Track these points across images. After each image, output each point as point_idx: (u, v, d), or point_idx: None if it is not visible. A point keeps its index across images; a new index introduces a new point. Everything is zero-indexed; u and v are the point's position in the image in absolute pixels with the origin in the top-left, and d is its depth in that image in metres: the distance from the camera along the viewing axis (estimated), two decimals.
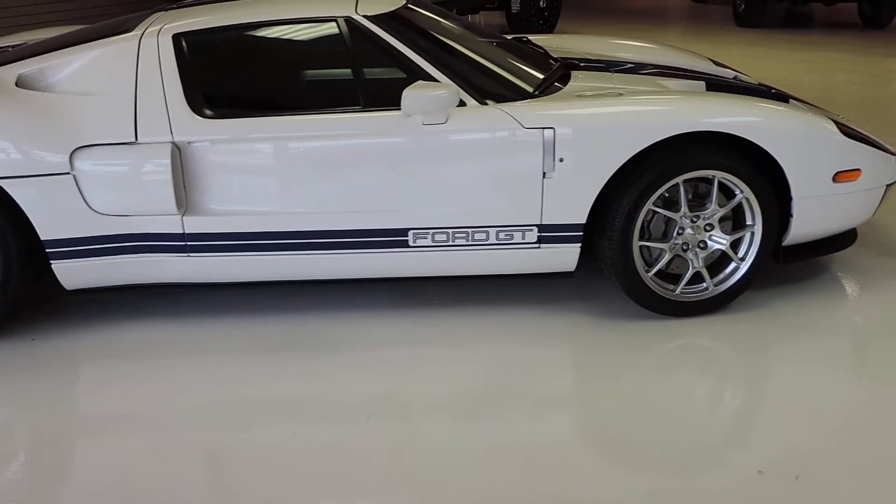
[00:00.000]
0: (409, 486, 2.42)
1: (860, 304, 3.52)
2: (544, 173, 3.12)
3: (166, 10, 3.58)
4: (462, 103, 3.12)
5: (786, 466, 2.46)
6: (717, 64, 4.46)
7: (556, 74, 3.57)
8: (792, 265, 3.69)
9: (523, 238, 3.22)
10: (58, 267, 3.17)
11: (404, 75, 3.17)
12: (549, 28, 9.86)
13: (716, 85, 3.76)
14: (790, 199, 3.25)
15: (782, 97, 3.76)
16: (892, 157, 3.46)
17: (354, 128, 3.14)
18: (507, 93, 3.25)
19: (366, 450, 2.59)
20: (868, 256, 3.89)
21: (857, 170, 3.30)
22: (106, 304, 3.52)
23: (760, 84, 4.09)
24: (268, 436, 2.67)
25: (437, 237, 3.21)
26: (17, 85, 3.20)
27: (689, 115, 3.12)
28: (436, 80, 3.12)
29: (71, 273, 3.20)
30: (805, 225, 3.32)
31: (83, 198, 3.09)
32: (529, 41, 4.24)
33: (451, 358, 3.14)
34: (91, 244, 3.16)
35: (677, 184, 3.16)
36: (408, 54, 3.18)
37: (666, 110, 3.14)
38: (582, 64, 3.89)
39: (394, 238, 3.21)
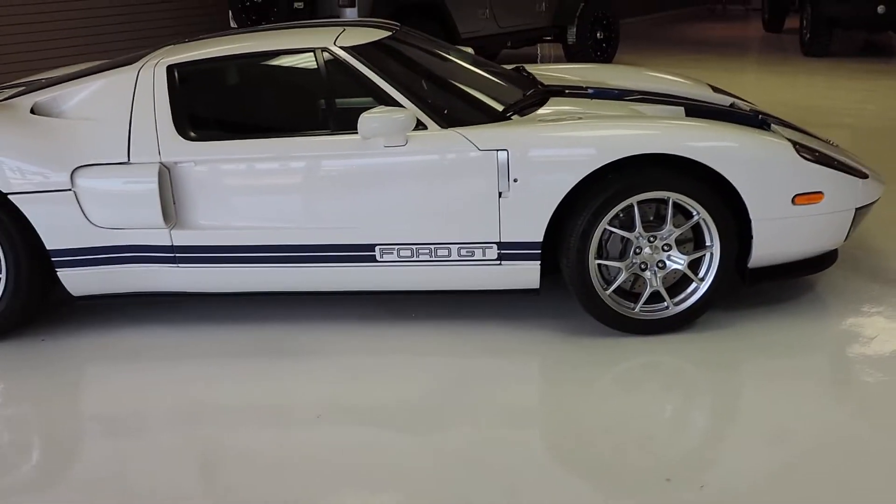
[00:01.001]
0: (361, 486, 2.59)
1: (831, 327, 3.51)
2: (500, 193, 3.28)
3: (175, 44, 3.91)
4: (423, 126, 3.32)
5: (735, 484, 2.52)
6: (716, 90, 4.52)
7: (528, 101, 3.73)
8: (779, 286, 3.73)
9: (484, 255, 3.37)
10: (62, 274, 3.51)
11: (373, 101, 3.39)
12: (606, 59, 9.94)
13: (695, 110, 3.83)
14: (749, 220, 3.30)
15: (765, 123, 3.80)
16: (860, 180, 3.46)
17: (324, 149, 3.38)
18: (468, 117, 3.43)
19: (325, 453, 2.77)
20: (854, 280, 3.88)
21: (819, 192, 3.33)
22: (109, 311, 3.84)
23: (753, 111, 4.14)
24: (250, 437, 2.88)
25: (402, 252, 3.40)
26: (32, 111, 3.57)
27: (638, 138, 3.23)
28: (400, 105, 3.33)
29: (75, 280, 3.53)
30: (768, 247, 3.36)
31: (83, 212, 3.43)
32: (524, 69, 4.40)
33: (418, 367, 3.32)
34: (90, 254, 3.48)
35: (633, 204, 3.26)
36: (376, 81, 3.40)
37: (616, 134, 3.26)
38: (567, 91, 4.02)
39: (362, 253, 3.42)
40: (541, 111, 3.65)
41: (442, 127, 3.34)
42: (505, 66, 4.46)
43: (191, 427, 2.99)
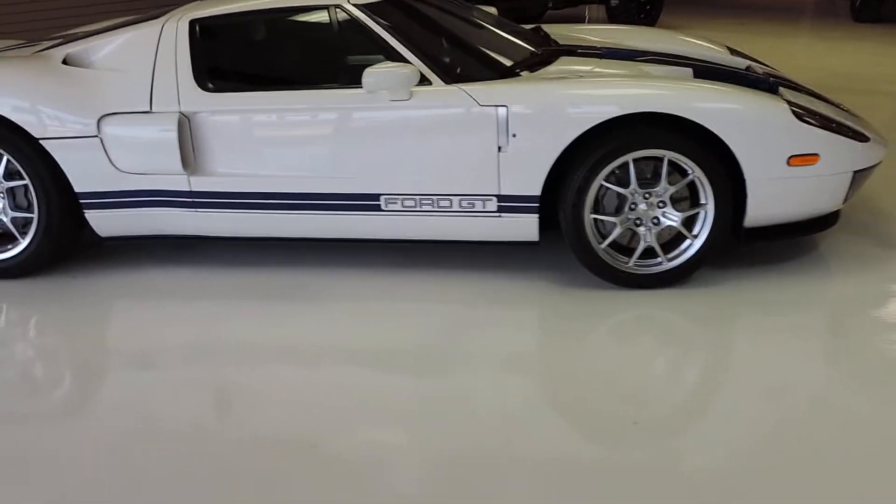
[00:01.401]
0: (359, 425, 2.76)
1: (831, 288, 3.57)
2: (499, 147, 3.40)
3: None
4: (428, 82, 3.45)
5: (713, 436, 2.62)
6: (733, 52, 4.54)
7: (537, 59, 3.82)
8: (780, 246, 3.82)
9: (484, 207, 3.50)
10: (90, 216, 3.74)
11: (383, 57, 3.53)
12: (650, 21, 9.86)
13: (704, 72, 3.87)
14: (744, 180, 3.37)
15: (774, 86, 3.82)
16: (859, 143, 3.49)
17: (332, 102, 3.53)
18: (473, 74, 3.54)
19: (327, 392, 2.94)
20: (858, 243, 3.93)
21: (814, 154, 3.37)
22: (135, 252, 4.08)
23: (765, 73, 4.16)
24: (259, 375, 3.08)
25: (406, 203, 3.55)
26: (65, 62, 3.78)
27: (635, 97, 3.31)
28: (406, 61, 3.45)
29: (101, 222, 3.77)
30: (763, 206, 3.42)
31: (108, 157, 3.64)
32: (541, 29, 4.48)
33: (419, 313, 3.48)
34: (115, 197, 3.71)
35: (628, 161, 3.35)
36: (384, 37, 3.53)
37: (612, 93, 3.35)
38: (579, 50, 4.10)
39: (368, 202, 3.58)
40: (549, 69, 3.74)
41: (446, 83, 3.46)
42: (523, 26, 4.53)
43: (205, 362, 3.18)
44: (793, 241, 3.90)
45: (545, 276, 3.71)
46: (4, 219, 3.79)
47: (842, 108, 3.96)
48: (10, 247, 3.82)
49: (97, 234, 3.84)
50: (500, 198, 3.48)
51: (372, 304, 3.56)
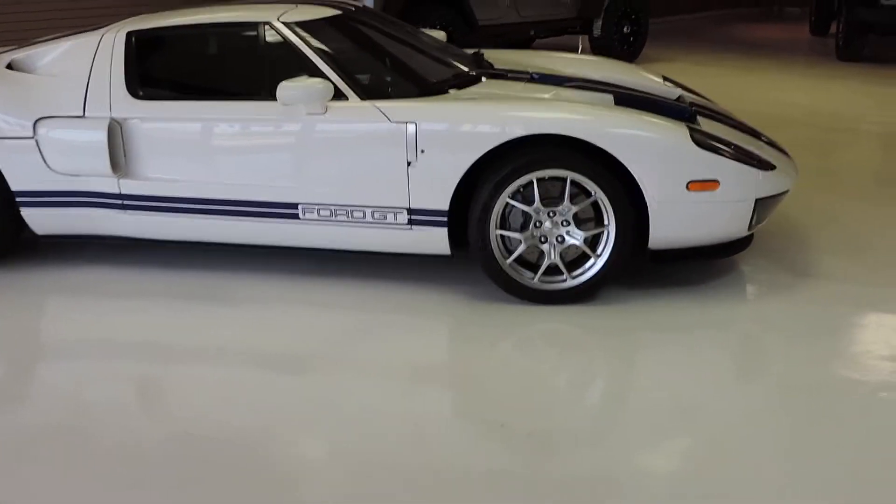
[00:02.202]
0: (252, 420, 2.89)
1: (732, 312, 3.65)
2: (409, 162, 3.53)
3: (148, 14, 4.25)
4: (344, 97, 3.59)
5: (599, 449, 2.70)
6: (668, 81, 4.67)
7: (460, 80, 3.96)
8: (695, 269, 3.92)
9: (395, 219, 3.63)
10: (25, 213, 3.91)
11: (306, 72, 3.68)
12: (633, 53, 9.99)
13: (625, 98, 3.99)
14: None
15: (692, 115, 3.94)
16: (762, 171, 3.58)
17: (253, 113, 3.70)
18: (390, 91, 3.69)
19: (226, 388, 3.08)
20: (769, 269, 4.02)
21: (714, 181, 3.47)
22: (75, 250, 4.24)
23: (688, 103, 4.26)
24: (177, 371, 3.23)
25: (322, 212, 3.69)
26: (10, 67, 3.96)
27: (537, 119, 3.44)
28: (324, 77, 3.60)
29: (36, 220, 3.93)
30: (664, 229, 3.52)
31: (43, 158, 3.80)
32: (481, 53, 4.61)
33: (326, 318, 3.61)
34: (49, 197, 3.88)
35: (532, 180, 3.47)
36: (307, 54, 3.69)
37: (516, 115, 3.48)
38: (508, 74, 4.23)
39: (287, 210, 3.72)
40: (471, 89, 3.88)
41: (361, 99, 3.60)
42: (464, 50, 4.67)
43: (125, 358, 3.32)
44: (705, 265, 4.00)
45: (458, 289, 3.82)
46: None
47: (762, 139, 4.08)
48: None
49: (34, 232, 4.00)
50: (411, 211, 3.61)
51: (285, 308, 3.69)
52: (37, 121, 3.78)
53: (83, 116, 3.78)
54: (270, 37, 3.79)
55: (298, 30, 3.77)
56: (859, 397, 2.95)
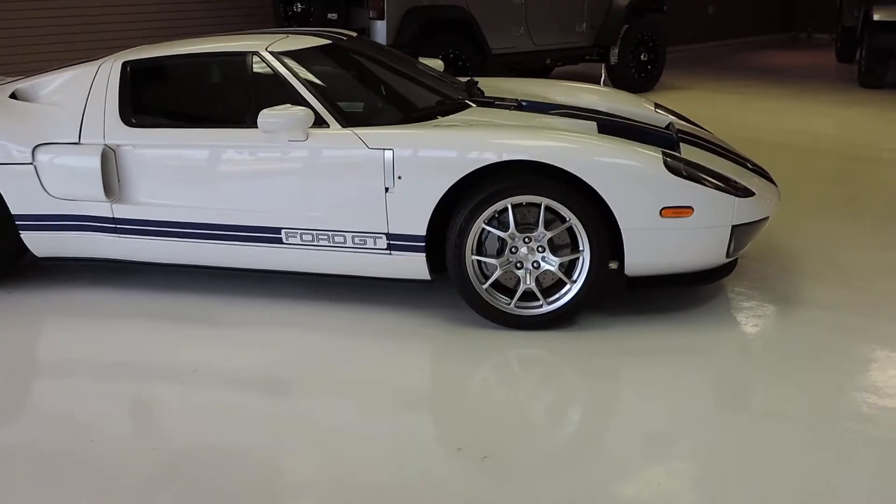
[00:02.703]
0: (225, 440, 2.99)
1: (713, 339, 3.64)
2: (387, 188, 3.61)
3: (147, 45, 4.40)
4: (326, 124, 3.69)
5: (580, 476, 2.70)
6: (659, 109, 4.71)
7: (444, 108, 4.04)
8: (678, 295, 3.95)
9: (375, 244, 3.71)
10: (25, 236, 4.06)
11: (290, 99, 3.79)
12: (649, 82, 10.02)
13: (607, 126, 4.04)
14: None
15: (674, 142, 3.98)
16: (738, 198, 3.60)
17: (237, 140, 3.82)
18: (371, 119, 3.79)
19: (200, 409, 3.20)
20: (753, 297, 4.01)
21: (688, 207, 3.50)
22: (73, 272, 4.38)
23: (678, 130, 4.30)
24: (156, 388, 3.33)
25: (305, 237, 3.78)
26: (14, 96, 4.13)
27: (510, 146, 3.50)
28: (307, 105, 3.70)
29: (35, 242, 4.08)
30: (639, 255, 3.55)
31: (41, 183, 3.95)
32: (474, 81, 4.70)
33: (307, 340, 3.68)
34: (47, 220, 4.03)
35: (507, 206, 3.53)
36: (291, 81, 3.80)
37: (492, 141, 3.54)
38: (497, 102, 4.30)
39: (270, 234, 3.82)
40: (453, 117, 3.95)
41: (342, 126, 3.70)
42: (457, 78, 4.76)
43: (114, 378, 3.42)
44: (690, 290, 4.02)
45: (438, 314, 3.89)
46: None
47: (748, 166, 4.09)
48: None
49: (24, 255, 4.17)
50: (389, 236, 3.68)
51: (267, 331, 3.78)
52: (35, 147, 3.94)
53: (79, 143, 3.92)
54: (258, 66, 3.91)
55: (284, 59, 3.89)
56: (837, 428, 2.93)
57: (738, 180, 3.75)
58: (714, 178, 3.62)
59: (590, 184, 3.45)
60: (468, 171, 3.51)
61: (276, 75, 3.85)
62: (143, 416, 3.13)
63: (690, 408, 3.09)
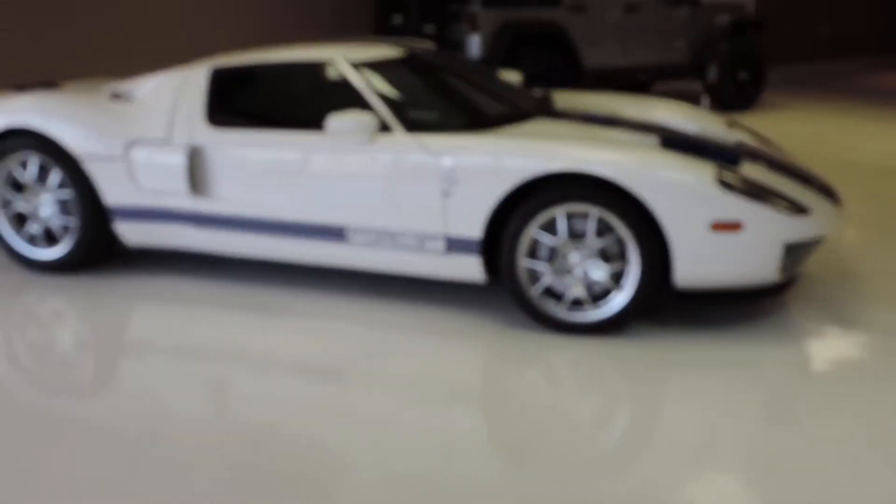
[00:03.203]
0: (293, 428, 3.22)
1: (766, 356, 3.63)
2: (445, 192, 3.78)
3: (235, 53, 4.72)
4: (390, 129, 3.90)
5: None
6: (734, 126, 4.72)
7: (510, 117, 4.19)
8: (732, 311, 3.98)
9: (433, 246, 3.88)
10: (116, 227, 4.40)
11: (359, 105, 4.02)
12: (748, 100, 9.87)
13: (670, 141, 4.10)
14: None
15: (735, 158, 4.02)
16: (792, 216, 3.60)
17: (308, 142, 4.05)
18: (435, 126, 3.96)
19: (277, 394, 3.43)
20: (813, 318, 3.98)
21: (737, 223, 3.53)
22: (156, 261, 4.73)
23: (737, 145, 4.32)
24: (228, 370, 3.57)
25: (367, 236, 3.98)
26: (115, 96, 4.50)
27: (564, 156, 3.60)
28: (373, 110, 3.92)
29: (126, 232, 4.42)
30: (689, 268, 3.58)
31: (133, 177, 4.29)
32: (545, 92, 4.83)
33: (360, 334, 3.87)
34: (137, 212, 4.36)
35: (572, 214, 3.64)
36: (361, 89, 4.03)
37: (547, 151, 3.64)
38: (564, 114, 4.43)
39: (336, 233, 4.04)
40: (517, 126, 4.08)
41: (406, 132, 3.89)
42: (531, 90, 4.90)
43: (194, 359, 3.65)
44: (746, 306, 4.04)
45: (492, 315, 4.03)
46: (56, 222, 4.51)
47: (813, 185, 4.07)
48: (57, 247, 4.53)
49: (117, 244, 4.52)
50: (447, 238, 3.85)
51: (330, 322, 3.98)
52: (129, 143, 4.29)
53: (168, 141, 4.25)
54: (332, 73, 4.16)
55: (357, 68, 4.12)
56: (884, 450, 2.91)
57: (794, 198, 3.76)
58: (768, 195, 3.64)
59: (638, 196, 3.53)
60: (522, 180, 3.64)
61: (347, 82, 4.08)
62: (211, 396, 3.35)
63: (736, 421, 3.09)
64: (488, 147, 3.74)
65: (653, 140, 4.10)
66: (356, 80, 4.06)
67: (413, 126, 3.94)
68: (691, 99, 10.72)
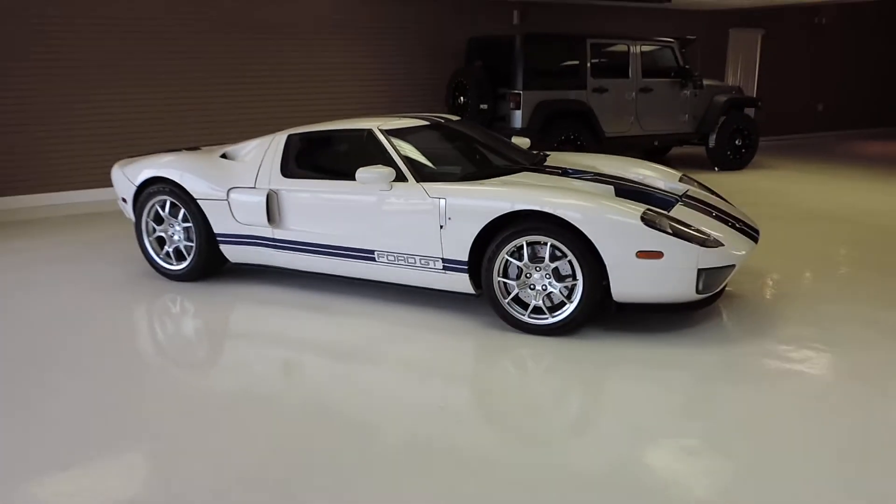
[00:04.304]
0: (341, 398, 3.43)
1: (698, 356, 3.59)
2: (441, 226, 3.92)
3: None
4: (405, 179, 4.07)
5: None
6: (683, 179, 4.68)
7: (502, 171, 4.28)
8: (675, 320, 3.93)
9: (435, 265, 4.02)
10: (222, 248, 4.73)
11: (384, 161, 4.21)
12: (742, 163, 9.54)
13: (623, 190, 4.12)
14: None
15: (671, 204, 4.01)
16: (706, 248, 3.57)
17: (346, 189, 4.26)
18: (439, 176, 4.11)
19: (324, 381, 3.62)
20: (732, 330, 3.91)
21: (658, 252, 3.53)
22: (248, 274, 5.01)
23: (688, 197, 4.29)
24: (297, 353, 3.81)
25: (389, 258, 4.16)
26: (224, 156, 4.86)
27: (525, 199, 3.69)
28: (394, 166, 4.11)
29: (229, 252, 4.75)
30: (622, 286, 3.61)
31: (231, 213, 4.62)
32: (543, 154, 4.90)
33: (375, 328, 4.01)
34: (235, 238, 4.67)
35: (523, 243, 3.72)
36: (388, 149, 4.22)
37: (511, 195, 3.73)
38: (547, 168, 4.48)
39: (366, 255, 4.24)
40: (503, 178, 4.16)
41: (416, 181, 4.07)
42: (529, 151, 4.96)
43: (275, 346, 3.79)
44: (689, 317, 4.00)
45: (479, 318, 4.12)
46: (183, 244, 4.88)
47: (734, 226, 4.01)
48: (184, 262, 4.90)
49: (224, 261, 4.84)
50: (444, 260, 3.98)
51: (356, 320, 4.15)
52: (229, 189, 4.63)
53: (254, 188, 4.57)
54: (368, 137, 4.37)
55: (386, 134, 4.33)
56: (795, 434, 2.84)
57: (711, 234, 3.72)
58: (686, 232, 3.62)
59: (581, 229, 3.58)
60: (494, 216, 3.75)
61: (379, 145, 4.30)
62: (279, 369, 3.51)
63: (661, 409, 3.03)
64: (471, 192, 3.87)
65: (609, 189, 4.12)
66: (384, 142, 4.27)
67: (422, 177, 4.10)
68: (698, 160, 10.46)
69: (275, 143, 4.64)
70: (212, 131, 8.58)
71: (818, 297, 4.40)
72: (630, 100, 8.79)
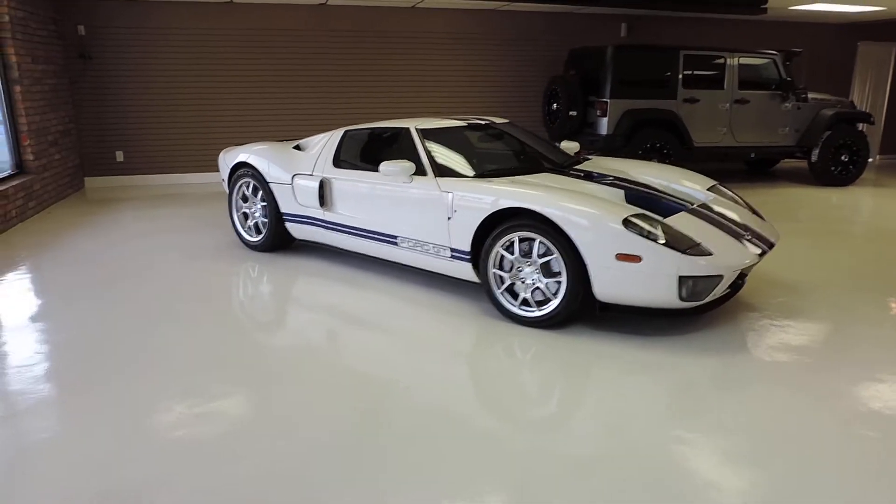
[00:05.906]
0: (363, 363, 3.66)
1: (686, 360, 3.38)
2: (449, 217, 3.95)
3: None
4: (425, 173, 4.13)
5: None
6: (713, 189, 4.34)
7: (521, 171, 4.20)
8: (652, 326, 3.72)
9: (444, 253, 4.06)
10: (287, 226, 5.07)
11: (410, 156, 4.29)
12: (848, 179, 8.48)
13: (634, 195, 3.90)
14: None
15: (675, 211, 3.75)
16: (689, 256, 3.32)
17: (376, 179, 4.39)
18: (455, 173, 4.12)
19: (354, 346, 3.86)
20: (731, 339, 3.60)
21: (637, 255, 3.33)
22: (305, 249, 5.29)
23: (702, 205, 3.98)
24: (332, 318, 4.09)
25: (409, 243, 4.25)
26: (297, 148, 5.17)
27: (511, 196, 3.63)
28: (418, 160, 4.18)
29: (292, 229, 5.07)
30: (602, 286, 3.45)
31: (294, 196, 4.93)
32: (582, 154, 4.74)
33: (395, 308, 4.12)
34: (298, 217, 4.98)
35: (524, 237, 3.65)
36: (416, 146, 4.29)
37: (508, 193, 3.67)
38: (571, 171, 4.34)
39: (391, 239, 4.35)
40: (520, 177, 4.08)
41: (434, 176, 4.11)
42: (567, 154, 4.81)
43: (321, 313, 4.00)
44: (671, 323, 3.74)
45: (479, 304, 4.10)
46: (260, 220, 5.26)
47: (741, 238, 3.68)
48: (259, 235, 5.28)
49: (292, 237, 5.17)
50: (451, 249, 4.00)
51: (380, 296, 4.27)
52: (294, 175, 4.94)
53: (311, 174, 4.83)
54: (405, 135, 4.47)
55: (421, 133, 4.40)
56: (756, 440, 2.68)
57: (703, 244, 3.44)
58: (672, 240, 3.38)
59: (563, 229, 3.46)
60: (489, 212, 3.71)
61: (411, 142, 4.38)
62: (324, 332, 3.70)
63: (640, 406, 2.89)
64: (475, 188, 3.86)
65: (619, 193, 3.93)
66: (416, 139, 4.35)
67: (440, 172, 4.14)
68: (800, 174, 9.46)
69: (333, 137, 4.88)
70: (329, 127, 9.11)
71: (838, 316, 3.90)
72: (724, 111, 8.14)
